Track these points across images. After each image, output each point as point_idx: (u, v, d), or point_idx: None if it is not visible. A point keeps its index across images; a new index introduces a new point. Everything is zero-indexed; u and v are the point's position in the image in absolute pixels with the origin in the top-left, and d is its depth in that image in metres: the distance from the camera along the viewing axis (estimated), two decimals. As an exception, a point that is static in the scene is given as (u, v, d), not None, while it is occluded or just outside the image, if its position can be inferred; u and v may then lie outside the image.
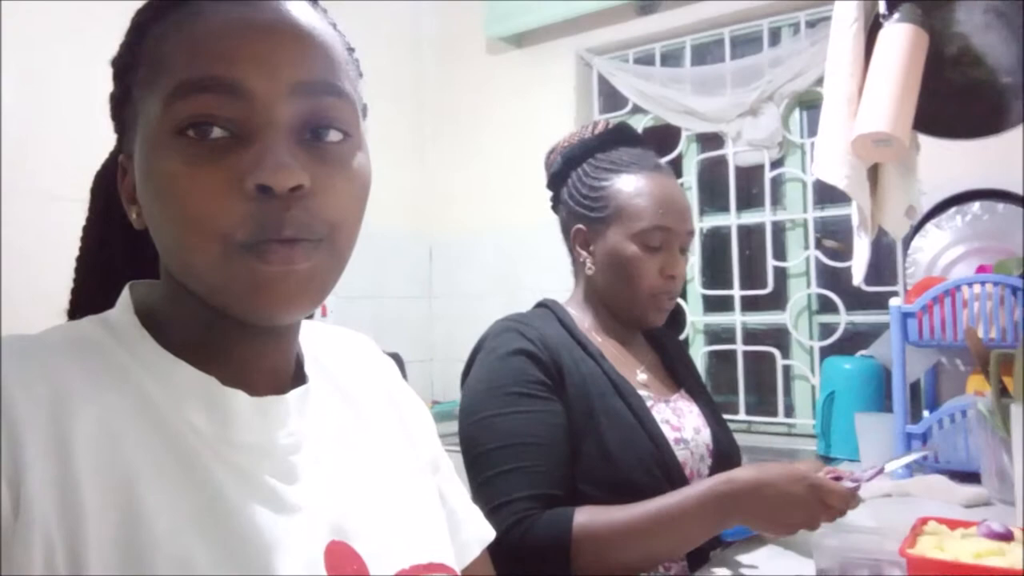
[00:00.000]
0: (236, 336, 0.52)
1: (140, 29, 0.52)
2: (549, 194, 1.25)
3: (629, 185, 1.13)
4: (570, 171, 1.20)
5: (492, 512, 0.95)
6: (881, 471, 0.93)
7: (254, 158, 0.47)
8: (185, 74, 0.48)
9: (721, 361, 2.41)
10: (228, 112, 0.48)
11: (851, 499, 0.92)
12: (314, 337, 0.64)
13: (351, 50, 0.57)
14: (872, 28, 1.34)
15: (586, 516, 0.94)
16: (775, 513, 0.91)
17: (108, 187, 0.58)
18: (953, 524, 1.03)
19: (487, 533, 0.74)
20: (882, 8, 1.30)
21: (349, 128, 0.52)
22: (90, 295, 0.62)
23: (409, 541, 0.59)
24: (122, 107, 0.53)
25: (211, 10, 0.50)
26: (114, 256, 0.61)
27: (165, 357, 0.52)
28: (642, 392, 1.10)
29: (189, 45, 0.49)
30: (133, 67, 0.51)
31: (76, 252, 0.64)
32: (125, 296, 0.55)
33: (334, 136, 0.51)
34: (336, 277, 0.53)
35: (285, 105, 0.49)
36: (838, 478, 0.94)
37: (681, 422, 1.12)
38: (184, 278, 0.51)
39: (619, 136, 1.20)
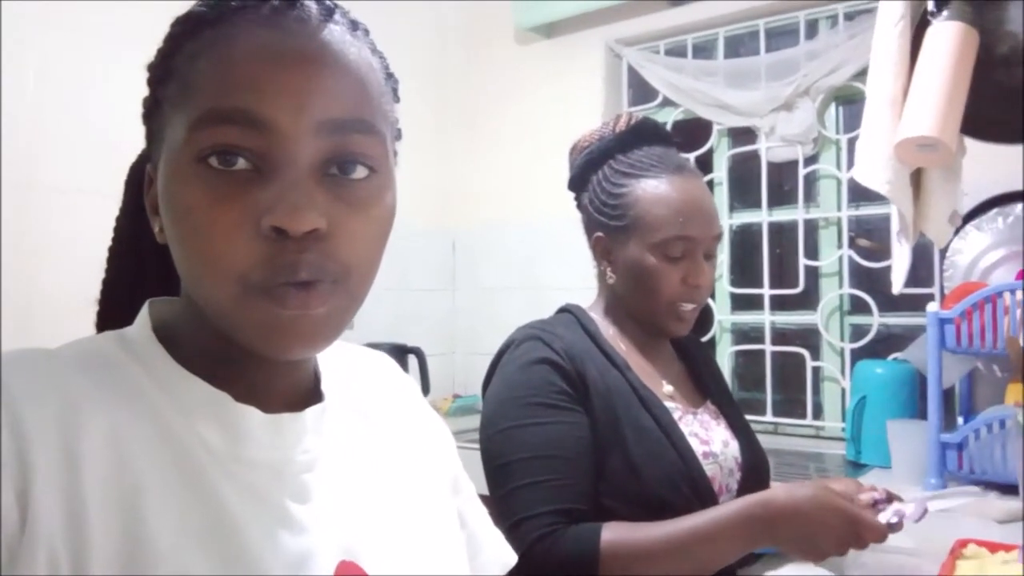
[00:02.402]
0: (252, 357, 0.51)
1: (175, 40, 0.51)
2: (573, 194, 1.22)
3: (648, 192, 1.08)
4: (590, 174, 1.15)
5: (515, 526, 0.93)
6: (926, 512, 0.90)
7: (273, 197, 0.46)
8: (211, 103, 0.47)
9: (749, 361, 2.37)
10: (251, 144, 0.47)
11: (887, 536, 0.89)
12: (333, 355, 0.63)
13: (390, 75, 0.56)
14: (919, 26, 1.28)
15: (614, 533, 0.92)
16: (808, 540, 0.88)
17: (141, 181, 0.58)
18: (993, 547, 1.00)
19: (508, 557, 0.72)
20: (930, 5, 1.25)
21: (376, 164, 0.51)
22: (122, 287, 0.62)
23: (422, 562, 0.58)
24: (153, 117, 0.53)
25: (246, 34, 0.48)
26: (147, 250, 0.61)
27: (179, 372, 0.52)
28: (669, 404, 1.07)
29: (218, 72, 0.48)
30: (165, 80, 0.51)
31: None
32: (144, 313, 0.55)
33: (360, 173, 0.50)
34: (352, 315, 0.52)
35: (310, 142, 0.48)
36: (877, 502, 0.91)
37: (709, 435, 1.09)
38: (201, 305, 0.51)
39: (641, 134, 1.14)
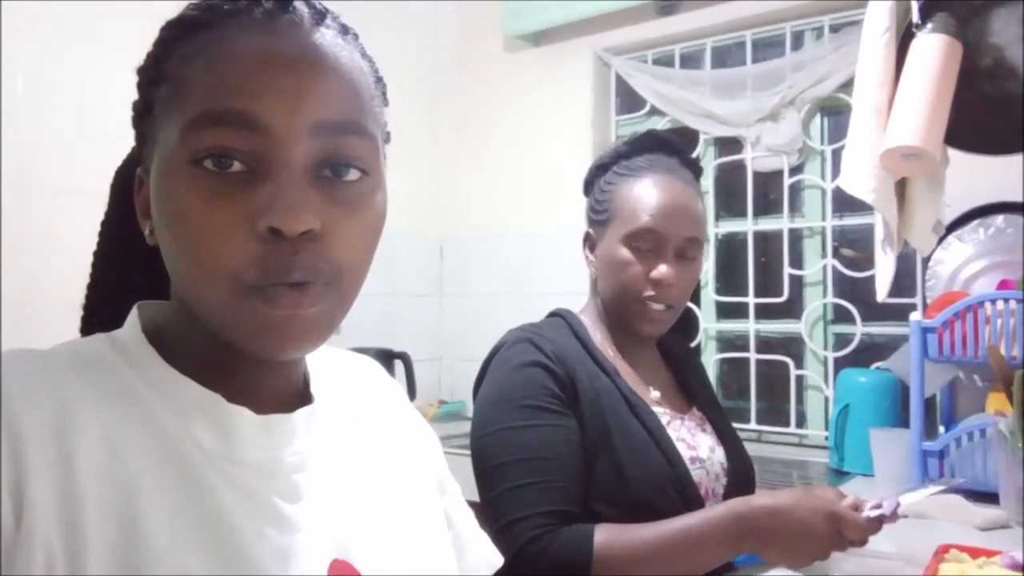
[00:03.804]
0: (243, 358, 0.51)
1: (167, 44, 0.51)
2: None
3: (630, 188, 1.10)
4: (596, 180, 1.19)
5: (507, 527, 0.93)
6: (898, 505, 0.91)
7: (267, 198, 0.47)
8: (205, 105, 0.47)
9: (733, 369, 2.38)
10: (245, 146, 0.47)
11: (869, 534, 0.90)
12: (321, 359, 0.64)
13: (379, 79, 0.56)
14: (904, 38, 1.30)
15: (606, 534, 0.92)
16: (791, 542, 0.89)
17: (128, 185, 0.58)
18: (975, 552, 1.01)
19: (495, 558, 0.73)
20: (915, 18, 1.27)
21: (368, 167, 0.52)
22: (107, 292, 0.62)
23: (412, 561, 0.59)
24: (143, 120, 0.53)
25: (238, 38, 0.49)
26: (133, 254, 0.61)
27: (171, 374, 0.52)
28: (656, 409, 1.08)
29: (212, 74, 0.48)
30: (156, 83, 0.51)
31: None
32: (133, 315, 0.55)
33: (352, 175, 0.51)
34: (342, 316, 0.52)
35: (304, 143, 0.48)
36: (856, 507, 0.92)
37: (696, 441, 1.10)
38: (193, 307, 0.51)
39: (646, 142, 1.17)
